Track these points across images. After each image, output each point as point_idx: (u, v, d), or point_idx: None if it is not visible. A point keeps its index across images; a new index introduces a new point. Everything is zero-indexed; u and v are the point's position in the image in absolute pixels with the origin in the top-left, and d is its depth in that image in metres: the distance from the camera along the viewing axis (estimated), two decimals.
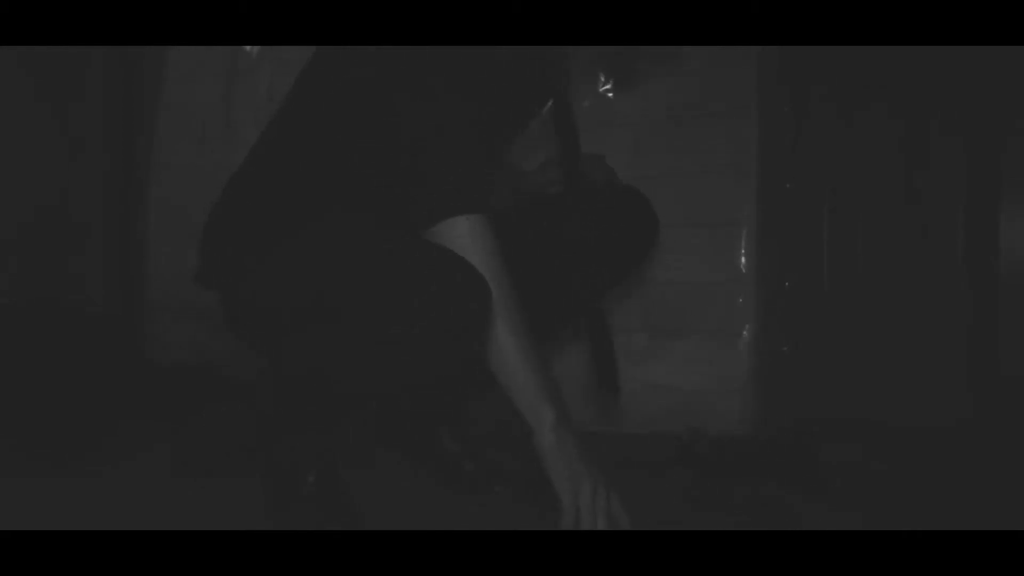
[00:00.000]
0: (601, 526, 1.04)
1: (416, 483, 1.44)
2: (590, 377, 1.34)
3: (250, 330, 1.27)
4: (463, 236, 1.04)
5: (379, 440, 1.48)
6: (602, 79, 1.95)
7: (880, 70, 1.79)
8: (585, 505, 1.04)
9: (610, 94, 1.96)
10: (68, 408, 1.83)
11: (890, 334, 1.81)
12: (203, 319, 2.47)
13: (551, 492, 1.11)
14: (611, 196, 1.38)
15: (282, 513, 1.18)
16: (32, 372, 1.83)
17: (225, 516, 1.20)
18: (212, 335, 2.43)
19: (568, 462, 1.05)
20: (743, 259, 1.86)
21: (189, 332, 2.47)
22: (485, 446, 1.46)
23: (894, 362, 1.81)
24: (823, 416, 1.83)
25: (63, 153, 2.58)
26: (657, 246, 1.43)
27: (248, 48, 2.46)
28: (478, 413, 1.54)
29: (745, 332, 1.86)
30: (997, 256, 1.74)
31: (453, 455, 1.41)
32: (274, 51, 2.45)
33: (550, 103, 1.35)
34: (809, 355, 1.89)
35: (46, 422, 1.76)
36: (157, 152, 2.63)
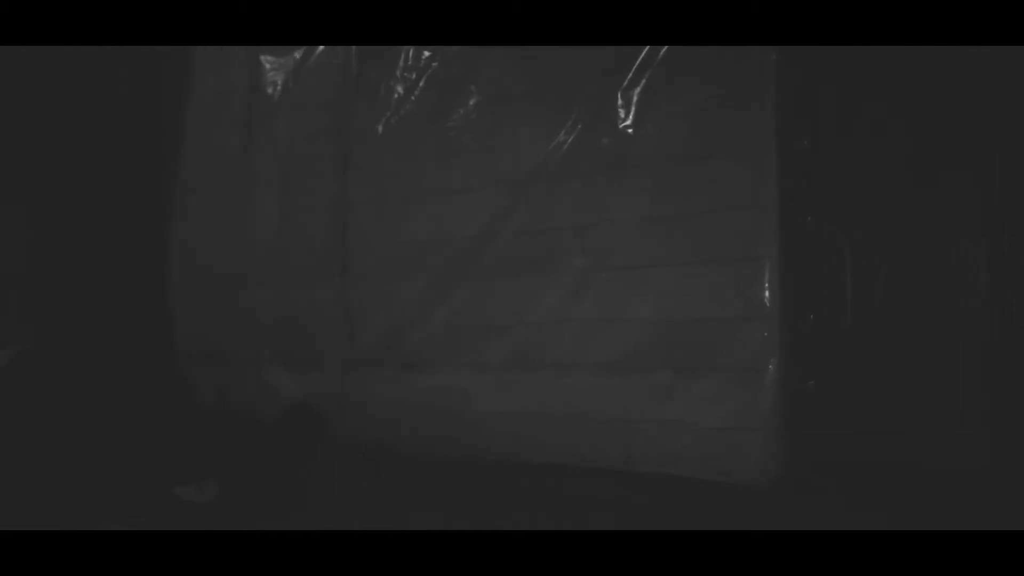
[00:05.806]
0: None
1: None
2: None
3: None
4: None
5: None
6: (621, 115, 1.96)
7: (902, 95, 1.79)
8: None
9: (630, 130, 1.96)
10: (93, 451, 1.83)
11: (914, 364, 1.79)
12: (227, 365, 2.49)
13: None
14: None
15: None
16: (59, 416, 1.84)
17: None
18: (236, 380, 2.44)
19: None
20: (767, 294, 1.85)
21: (213, 377, 2.48)
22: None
23: (918, 393, 1.79)
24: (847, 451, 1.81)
25: (88, 198, 2.61)
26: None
27: (269, 92, 2.49)
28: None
29: (771, 367, 1.84)
30: (1021, 288, 1.73)
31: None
32: (292, 95, 2.49)
33: None
34: (834, 389, 1.86)
35: (70, 464, 1.76)
36: (182, 198, 2.67)
